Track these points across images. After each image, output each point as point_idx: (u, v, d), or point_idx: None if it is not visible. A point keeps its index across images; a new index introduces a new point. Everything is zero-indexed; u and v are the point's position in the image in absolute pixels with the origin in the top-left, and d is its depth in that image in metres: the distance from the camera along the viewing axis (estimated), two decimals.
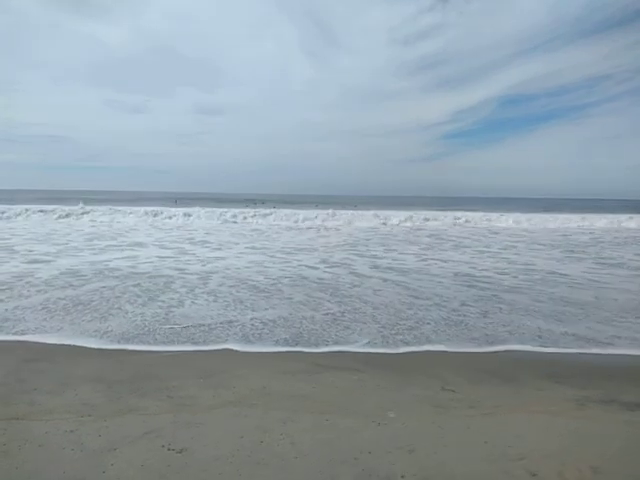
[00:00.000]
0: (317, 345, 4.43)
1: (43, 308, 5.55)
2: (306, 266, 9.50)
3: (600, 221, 24.00)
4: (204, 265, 9.25)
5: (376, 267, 9.57)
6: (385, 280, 8.02)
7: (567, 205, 58.65)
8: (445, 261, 10.62)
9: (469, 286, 7.52)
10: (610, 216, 25.66)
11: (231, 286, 7.15)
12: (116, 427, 2.73)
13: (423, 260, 10.74)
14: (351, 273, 8.75)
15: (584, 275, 8.80)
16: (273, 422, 2.82)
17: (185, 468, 2.32)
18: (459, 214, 24.39)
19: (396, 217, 23.15)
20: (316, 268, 9.27)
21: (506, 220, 23.20)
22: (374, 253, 11.80)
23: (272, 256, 10.76)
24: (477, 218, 23.67)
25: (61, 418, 2.83)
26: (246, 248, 12.25)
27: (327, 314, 5.54)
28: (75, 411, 2.93)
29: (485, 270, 9.23)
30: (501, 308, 5.99)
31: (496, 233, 18.58)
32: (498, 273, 8.88)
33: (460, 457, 2.47)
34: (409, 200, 69.22)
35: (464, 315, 5.61)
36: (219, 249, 11.94)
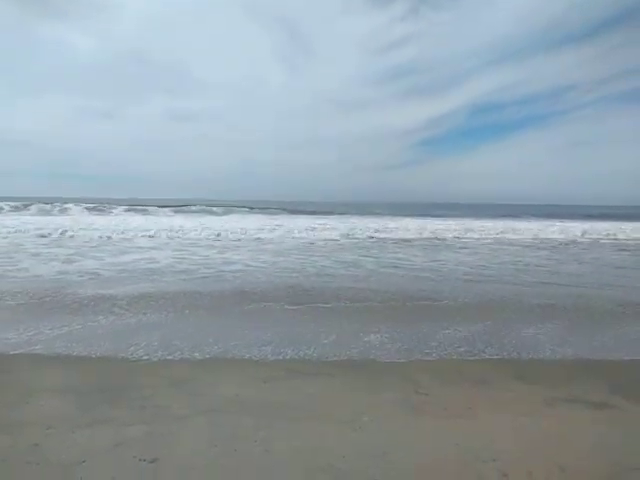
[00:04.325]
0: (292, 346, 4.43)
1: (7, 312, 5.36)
2: (323, 266, 10.14)
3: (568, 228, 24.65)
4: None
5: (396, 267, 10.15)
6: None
7: (535, 211, 60.31)
8: (447, 262, 11.12)
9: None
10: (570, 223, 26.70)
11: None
12: (85, 439, 2.65)
13: (433, 261, 11.30)
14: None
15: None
16: (247, 430, 2.80)
17: (157, 478, 2.27)
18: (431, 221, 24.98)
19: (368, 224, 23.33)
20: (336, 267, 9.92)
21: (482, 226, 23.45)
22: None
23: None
24: (454, 225, 24.01)
25: (26, 431, 2.73)
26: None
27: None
28: (41, 423, 2.83)
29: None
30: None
31: (477, 238, 18.77)
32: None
33: (433, 459, 2.51)
34: (382, 206, 69.90)
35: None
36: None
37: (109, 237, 15.28)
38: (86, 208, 33.89)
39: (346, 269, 9.84)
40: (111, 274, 8.40)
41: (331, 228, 19.90)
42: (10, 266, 9.00)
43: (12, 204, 33.83)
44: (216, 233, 16.86)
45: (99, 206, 35.18)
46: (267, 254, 12.24)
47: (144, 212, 33.89)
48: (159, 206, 37.46)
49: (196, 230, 17.37)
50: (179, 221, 22.74)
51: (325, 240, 16.68)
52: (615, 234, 20.71)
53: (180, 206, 39.44)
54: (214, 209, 39.72)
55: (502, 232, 20.45)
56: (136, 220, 23.49)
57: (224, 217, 31.58)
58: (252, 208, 43.30)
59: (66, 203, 36.01)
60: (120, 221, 21.87)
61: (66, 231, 15.77)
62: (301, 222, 23.68)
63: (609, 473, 2.43)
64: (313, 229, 19.08)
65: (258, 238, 16.61)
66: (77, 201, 40.28)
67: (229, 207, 42.21)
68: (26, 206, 33.50)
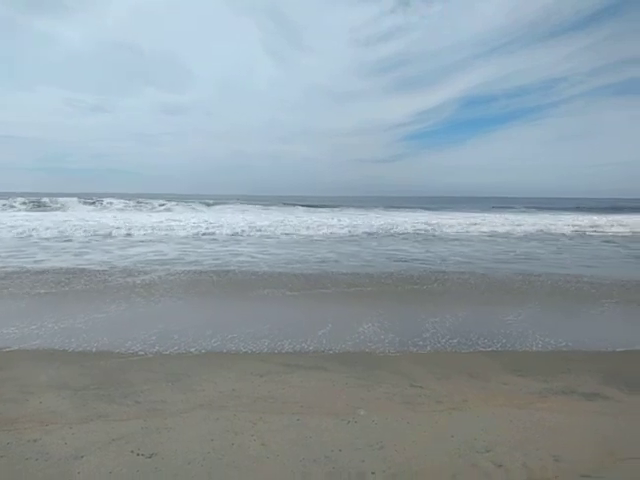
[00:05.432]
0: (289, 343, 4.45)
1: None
2: (325, 257, 10.44)
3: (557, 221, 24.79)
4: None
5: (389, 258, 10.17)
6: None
7: (527, 203, 60.46)
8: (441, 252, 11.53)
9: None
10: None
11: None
12: (83, 434, 2.66)
13: (428, 252, 11.76)
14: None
15: None
16: (243, 424, 2.82)
17: (155, 473, 2.29)
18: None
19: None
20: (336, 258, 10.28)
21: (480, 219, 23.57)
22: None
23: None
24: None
25: (24, 427, 2.74)
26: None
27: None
28: (39, 419, 2.84)
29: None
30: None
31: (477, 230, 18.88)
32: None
33: (428, 452, 2.54)
34: (375, 200, 69.92)
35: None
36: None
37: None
38: (80, 202, 33.41)
39: (347, 259, 10.09)
40: (118, 266, 8.39)
41: (327, 222, 19.88)
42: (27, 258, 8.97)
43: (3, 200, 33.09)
44: (213, 227, 16.81)
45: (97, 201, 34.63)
46: (268, 247, 12.28)
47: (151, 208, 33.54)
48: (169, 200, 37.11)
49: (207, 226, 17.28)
50: (177, 215, 22.64)
51: (323, 233, 16.69)
52: (607, 226, 20.91)
53: (174, 200, 39.17)
54: (208, 202, 39.54)
55: (495, 224, 20.56)
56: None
57: (219, 210, 31.48)
58: (246, 201, 43.23)
59: (62, 197, 35.40)
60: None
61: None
62: (297, 215, 23.70)
63: (603, 463, 2.47)
64: (310, 222, 19.08)
65: (259, 231, 16.58)
66: (67, 195, 39.46)
67: (223, 201, 42.09)
68: (19, 201, 32.78)
